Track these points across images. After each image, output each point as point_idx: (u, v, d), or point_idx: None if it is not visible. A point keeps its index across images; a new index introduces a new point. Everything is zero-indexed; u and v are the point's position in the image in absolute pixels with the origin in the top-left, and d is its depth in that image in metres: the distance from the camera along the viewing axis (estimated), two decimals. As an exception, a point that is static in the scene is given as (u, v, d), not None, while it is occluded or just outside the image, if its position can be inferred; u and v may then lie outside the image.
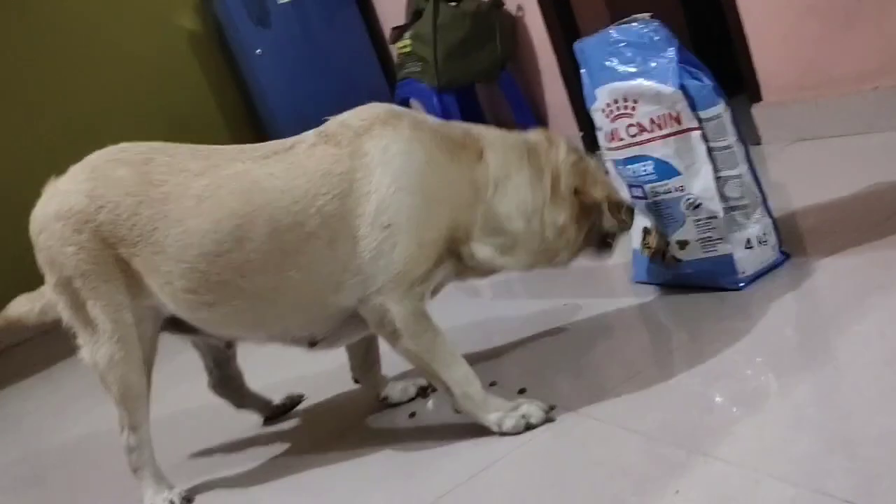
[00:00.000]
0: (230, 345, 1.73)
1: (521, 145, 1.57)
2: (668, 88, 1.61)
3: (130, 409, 1.56)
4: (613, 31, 1.71)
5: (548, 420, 1.40)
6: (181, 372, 1.89)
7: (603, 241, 1.67)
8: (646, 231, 1.77)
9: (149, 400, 1.58)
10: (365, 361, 1.71)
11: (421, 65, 3.71)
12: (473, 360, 1.78)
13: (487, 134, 1.56)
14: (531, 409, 1.40)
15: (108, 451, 1.61)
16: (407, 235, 1.40)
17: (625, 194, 1.76)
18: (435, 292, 1.53)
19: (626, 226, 1.67)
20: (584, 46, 1.78)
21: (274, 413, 1.87)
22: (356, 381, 1.75)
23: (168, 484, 1.60)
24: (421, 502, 1.28)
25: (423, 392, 1.70)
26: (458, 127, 1.57)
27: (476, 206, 1.48)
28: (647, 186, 1.69)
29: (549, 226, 1.54)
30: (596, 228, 1.64)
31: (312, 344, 1.55)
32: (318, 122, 1.58)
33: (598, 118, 1.76)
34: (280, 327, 1.53)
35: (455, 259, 1.50)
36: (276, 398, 1.88)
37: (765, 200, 1.68)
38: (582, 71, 1.79)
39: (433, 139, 1.47)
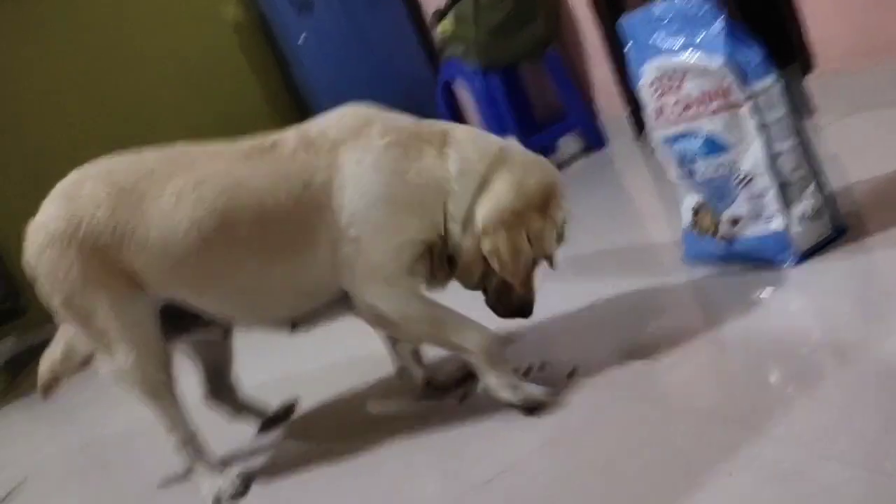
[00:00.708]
0: (226, 334, 1.76)
1: (492, 149, 1.51)
2: (716, 62, 1.57)
3: (163, 407, 1.62)
4: (658, 6, 1.66)
5: (548, 403, 1.43)
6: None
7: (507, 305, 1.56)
8: (696, 209, 1.74)
9: (177, 396, 1.63)
10: (402, 350, 1.73)
11: (463, 46, 3.69)
12: (522, 341, 1.79)
13: (458, 130, 1.54)
14: (535, 389, 1.44)
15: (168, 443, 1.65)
16: (371, 245, 1.45)
17: (673, 173, 1.74)
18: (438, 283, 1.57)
19: (490, 298, 1.56)
20: (629, 23, 1.74)
21: (271, 420, 1.90)
22: (400, 372, 1.76)
23: (222, 469, 1.64)
24: (470, 485, 1.29)
25: (470, 375, 1.70)
26: (432, 123, 1.57)
27: (438, 204, 1.47)
28: (697, 163, 1.66)
29: (461, 244, 1.49)
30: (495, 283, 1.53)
31: (293, 327, 1.62)
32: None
33: (645, 96, 1.73)
34: (269, 313, 1.60)
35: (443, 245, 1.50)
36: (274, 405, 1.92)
37: (819, 174, 1.64)
38: (627, 48, 1.76)
39: (398, 142, 1.48)
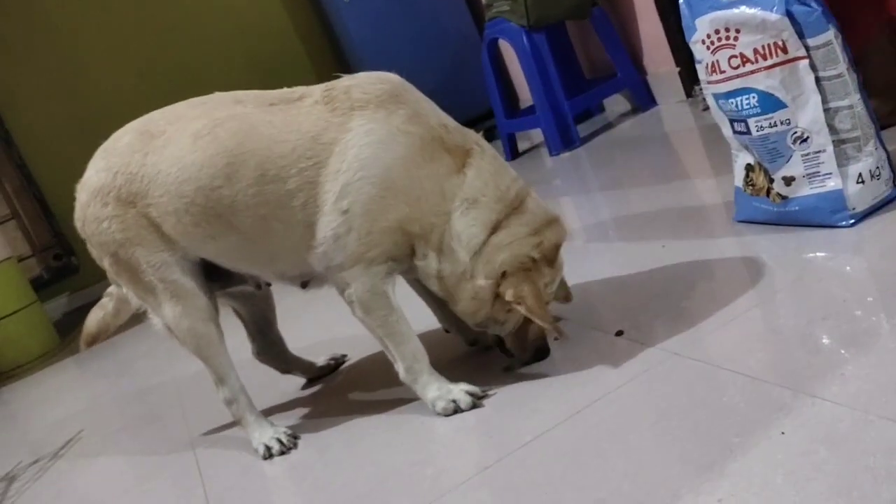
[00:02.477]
0: (259, 286, 1.78)
1: (511, 193, 1.46)
2: (774, 15, 1.52)
3: (211, 360, 1.66)
4: None
5: (475, 406, 1.46)
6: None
7: (501, 342, 1.56)
8: (749, 168, 1.70)
9: (225, 349, 1.67)
10: (448, 309, 1.73)
11: (510, 3, 3.64)
12: (569, 304, 1.79)
13: (485, 156, 1.48)
14: (461, 395, 1.47)
15: (217, 397, 1.69)
16: (360, 222, 1.42)
17: (727, 131, 1.70)
18: (407, 273, 1.56)
19: (526, 352, 1.53)
20: None
21: (319, 374, 1.96)
22: (447, 331, 1.77)
23: (271, 423, 1.67)
24: (520, 441, 1.29)
25: None
26: (460, 134, 1.50)
27: (439, 214, 1.44)
28: (751, 120, 1.62)
29: (472, 279, 1.45)
30: (507, 328, 1.51)
31: (304, 285, 1.62)
32: (407, 67, 1.57)
33: (698, 50, 1.68)
34: (275, 268, 1.60)
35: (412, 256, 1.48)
36: (322, 359, 1.97)
37: (878, 132, 1.59)
38: (681, 1, 1.72)
39: (421, 136, 1.44)
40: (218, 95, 1.61)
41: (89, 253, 1.68)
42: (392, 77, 1.52)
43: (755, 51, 1.57)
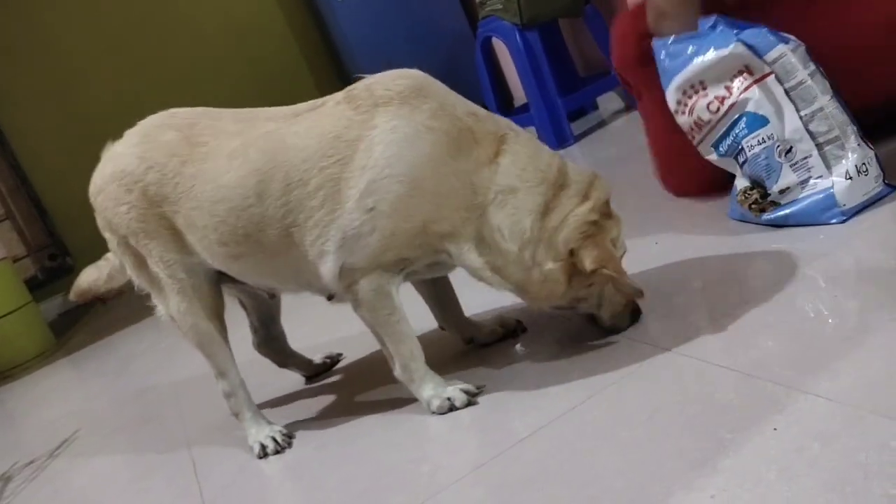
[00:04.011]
0: (273, 295, 1.79)
1: (552, 171, 1.43)
2: (728, 48, 1.61)
3: (212, 355, 1.67)
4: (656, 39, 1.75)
5: (470, 403, 1.47)
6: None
7: (594, 320, 1.53)
8: (746, 190, 1.72)
9: (228, 345, 1.68)
10: (447, 308, 1.74)
11: (503, 2, 3.64)
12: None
13: (519, 140, 1.45)
14: (454, 392, 1.48)
15: (217, 389, 1.70)
16: (386, 222, 1.40)
17: (735, 169, 1.73)
18: (413, 275, 1.54)
19: (622, 318, 1.50)
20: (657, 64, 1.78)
21: (315, 372, 1.97)
22: (442, 328, 1.78)
23: (268, 422, 1.68)
24: (516, 437, 1.30)
25: (511, 332, 1.72)
26: (491, 121, 1.46)
27: (470, 209, 1.41)
28: (744, 142, 1.66)
29: (536, 266, 1.42)
30: (593, 302, 1.48)
31: (330, 297, 1.59)
32: (401, 65, 1.56)
33: (682, 122, 1.75)
34: (303, 279, 1.56)
35: (439, 254, 1.45)
36: (319, 357, 1.98)
37: (857, 129, 1.61)
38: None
39: (447, 131, 1.40)
40: (258, 111, 1.59)
41: (84, 253, 1.67)
42: (415, 73, 1.48)
43: (726, 87, 1.65)
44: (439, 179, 1.39)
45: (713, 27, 1.65)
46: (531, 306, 1.60)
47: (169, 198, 1.55)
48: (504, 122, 1.49)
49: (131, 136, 1.63)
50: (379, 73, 1.51)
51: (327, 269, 1.46)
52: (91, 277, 1.89)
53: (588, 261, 1.38)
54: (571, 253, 1.40)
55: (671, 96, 1.74)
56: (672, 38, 1.71)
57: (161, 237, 1.58)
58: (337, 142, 1.42)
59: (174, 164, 1.55)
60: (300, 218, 1.45)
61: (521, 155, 1.43)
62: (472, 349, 1.74)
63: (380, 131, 1.40)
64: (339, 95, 1.51)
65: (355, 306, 1.51)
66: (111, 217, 1.62)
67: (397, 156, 1.38)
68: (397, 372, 1.53)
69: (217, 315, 1.66)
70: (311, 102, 1.55)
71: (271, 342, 1.92)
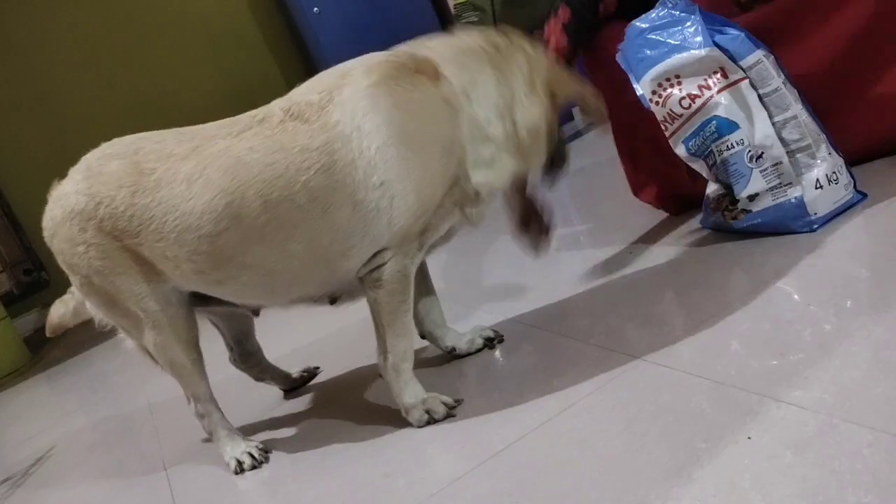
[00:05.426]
0: (257, 312, 1.76)
1: (477, 49, 1.52)
2: (703, 51, 1.62)
3: (188, 384, 1.65)
4: (637, 23, 1.73)
5: (449, 416, 1.47)
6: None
7: (556, 160, 1.66)
8: (719, 196, 1.73)
9: (203, 370, 1.66)
10: (428, 317, 1.74)
11: (478, 14, 3.66)
12: (540, 311, 1.79)
13: (437, 47, 1.52)
14: (434, 404, 1.48)
15: (189, 410, 1.68)
16: (402, 186, 1.40)
17: (705, 171, 1.74)
18: (431, 250, 1.56)
19: (602, 116, 1.66)
20: (623, 52, 1.77)
21: (293, 385, 1.96)
22: (423, 337, 1.77)
23: (243, 438, 1.67)
24: (492, 449, 1.30)
25: (490, 343, 1.72)
26: (406, 53, 1.51)
27: (457, 120, 1.45)
28: (714, 146, 1.67)
29: (521, 126, 1.51)
30: (555, 140, 1.60)
31: (333, 301, 1.59)
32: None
33: (656, 112, 1.74)
34: (296, 293, 1.55)
35: (459, 204, 1.50)
36: (296, 371, 1.97)
37: (828, 138, 1.63)
38: (631, 78, 1.76)
39: (389, 77, 1.43)
40: (201, 128, 1.55)
41: (59, 268, 1.64)
42: (325, 72, 1.53)
43: (700, 86, 1.65)
44: (418, 121, 1.42)
45: (691, 20, 1.65)
46: (527, 178, 1.66)
47: (127, 231, 1.50)
48: (412, 47, 1.54)
49: (75, 173, 1.56)
50: (298, 87, 1.54)
51: (356, 260, 1.45)
52: (59, 312, 1.87)
53: (571, 87, 1.58)
54: (552, 95, 1.53)
55: (646, 86, 1.72)
56: (648, 25, 1.70)
57: (127, 271, 1.53)
58: (306, 154, 1.41)
59: (124, 195, 1.49)
60: (299, 233, 1.43)
61: (448, 57, 1.49)
62: (449, 361, 1.73)
63: (344, 123, 1.40)
64: (275, 113, 1.47)
65: (375, 288, 1.47)
66: (70, 259, 1.56)
67: (374, 128, 1.39)
68: (386, 369, 1.51)
69: (193, 345, 1.62)
70: (246, 117, 1.51)
71: (248, 357, 1.90)
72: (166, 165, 1.49)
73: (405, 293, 1.48)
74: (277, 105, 1.50)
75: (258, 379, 1.94)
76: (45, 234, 1.60)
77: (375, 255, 1.46)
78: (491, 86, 1.49)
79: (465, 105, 1.46)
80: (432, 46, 1.52)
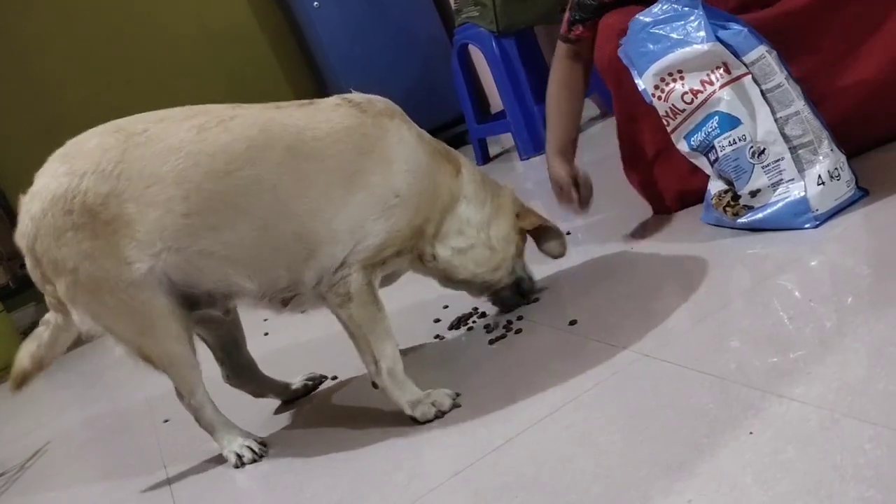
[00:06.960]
0: (228, 311, 1.69)
1: (485, 177, 1.76)
2: (705, 46, 1.61)
3: (180, 376, 1.59)
4: (640, 17, 1.71)
5: (455, 406, 1.48)
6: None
7: (517, 288, 1.82)
8: (721, 192, 1.72)
9: (196, 363, 1.59)
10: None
11: (479, 9, 3.65)
12: (541, 306, 1.79)
13: (462, 158, 1.73)
14: (439, 396, 1.49)
15: (183, 406, 1.67)
16: (405, 212, 1.52)
17: (707, 168, 1.73)
18: (390, 279, 1.66)
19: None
20: (625, 47, 1.76)
21: (294, 395, 1.87)
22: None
23: (241, 431, 1.65)
24: (493, 444, 1.30)
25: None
26: (442, 144, 1.71)
27: (449, 211, 1.64)
28: (716, 142, 1.66)
29: (493, 238, 1.70)
30: (522, 264, 1.83)
31: (285, 302, 1.58)
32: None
33: (658, 107, 1.74)
34: (271, 273, 1.50)
35: (414, 254, 1.62)
36: (298, 380, 1.88)
37: (830, 134, 1.62)
38: (633, 73, 1.75)
39: (430, 147, 1.63)
40: (208, 105, 1.54)
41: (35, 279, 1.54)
42: (380, 97, 1.64)
43: (702, 81, 1.64)
44: (435, 184, 1.60)
45: (694, 15, 1.64)
46: (473, 293, 1.82)
47: (112, 192, 1.42)
48: (455, 153, 1.74)
49: (49, 165, 1.50)
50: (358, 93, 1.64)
51: (332, 254, 1.47)
52: (30, 351, 1.73)
53: (533, 219, 1.79)
54: (518, 216, 1.76)
55: (648, 80, 1.71)
56: (651, 19, 1.69)
57: (114, 248, 1.43)
58: (351, 132, 1.50)
59: (111, 156, 1.44)
60: (313, 193, 1.46)
61: (469, 168, 1.72)
62: (445, 360, 1.73)
63: (392, 134, 1.54)
64: (332, 99, 1.57)
65: (343, 302, 1.48)
66: (57, 255, 1.46)
67: (412, 157, 1.55)
68: (382, 377, 1.49)
69: (185, 338, 1.55)
70: (293, 101, 1.57)
71: (241, 372, 1.81)
72: (162, 125, 1.48)
73: (377, 303, 1.52)
74: (338, 96, 1.61)
75: (257, 394, 1.85)
76: (25, 241, 1.50)
77: (346, 262, 1.48)
78: (481, 204, 1.70)
79: (461, 203, 1.66)
80: (459, 154, 1.74)
